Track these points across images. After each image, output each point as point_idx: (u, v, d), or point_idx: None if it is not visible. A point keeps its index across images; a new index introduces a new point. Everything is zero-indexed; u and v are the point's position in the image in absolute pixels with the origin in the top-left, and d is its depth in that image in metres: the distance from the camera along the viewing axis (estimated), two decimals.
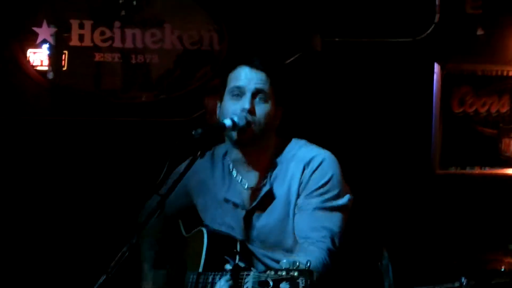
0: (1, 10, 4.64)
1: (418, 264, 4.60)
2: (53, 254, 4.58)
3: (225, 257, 2.75)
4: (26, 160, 4.67)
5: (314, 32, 4.82)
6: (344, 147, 3.50)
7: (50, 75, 4.78)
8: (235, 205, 2.91)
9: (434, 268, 4.49)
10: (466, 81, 4.99)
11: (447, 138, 5.01)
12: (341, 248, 2.78)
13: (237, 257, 2.79)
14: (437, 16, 4.83)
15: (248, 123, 2.80)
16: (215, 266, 2.75)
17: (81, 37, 4.77)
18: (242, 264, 2.57)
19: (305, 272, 2.24)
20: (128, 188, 4.42)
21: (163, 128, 4.76)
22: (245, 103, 2.81)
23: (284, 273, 2.25)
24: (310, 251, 2.69)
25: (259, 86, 2.82)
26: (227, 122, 2.78)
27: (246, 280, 2.45)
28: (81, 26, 4.76)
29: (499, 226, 4.82)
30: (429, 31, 4.83)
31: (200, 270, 2.79)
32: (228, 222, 2.92)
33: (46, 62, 4.77)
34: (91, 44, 4.78)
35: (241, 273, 2.51)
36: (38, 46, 4.75)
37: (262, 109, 2.83)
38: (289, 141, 2.95)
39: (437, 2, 4.84)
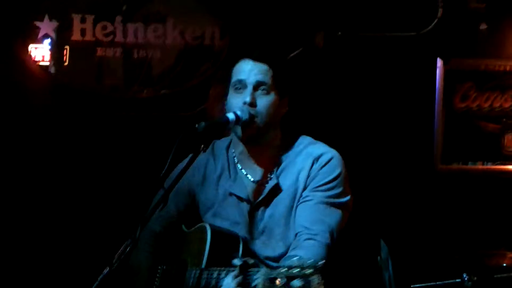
0: (3, 5, 4.63)
1: (420, 260, 4.60)
2: (56, 249, 4.58)
3: (231, 254, 2.74)
4: (28, 155, 4.66)
5: (317, 29, 4.81)
6: (346, 142, 3.50)
7: (52, 70, 4.77)
8: (240, 199, 2.90)
9: (436, 264, 4.48)
10: (469, 76, 4.99)
11: (449, 134, 5.00)
12: (337, 245, 2.78)
13: (240, 254, 2.78)
14: (440, 11, 4.82)
15: (251, 116, 2.79)
16: (217, 263, 2.74)
17: (82, 32, 4.76)
18: (251, 261, 2.56)
19: (319, 270, 2.21)
20: (130, 183, 4.42)
21: (164, 123, 4.75)
22: (246, 96, 2.81)
23: (297, 270, 2.22)
24: (310, 246, 2.69)
25: (260, 78, 2.82)
26: (230, 116, 2.78)
27: (255, 277, 2.43)
28: (83, 21, 4.76)
29: (501, 222, 4.82)
30: (432, 26, 4.82)
31: (203, 267, 2.77)
32: (232, 216, 2.91)
33: (47, 57, 4.77)
34: (93, 39, 4.77)
35: (250, 269, 2.49)
36: (40, 41, 4.74)
37: (264, 101, 2.82)
38: (295, 136, 2.95)
39: None
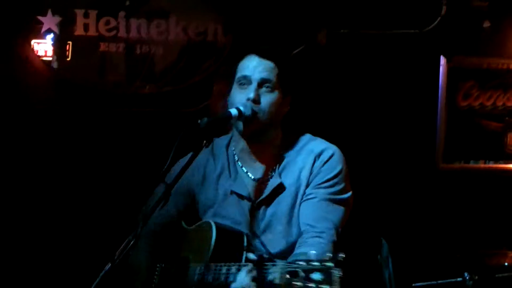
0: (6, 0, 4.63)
1: (421, 259, 4.60)
2: (58, 244, 4.58)
3: (236, 251, 2.73)
4: (30, 150, 4.66)
5: (320, 26, 4.81)
6: (348, 140, 3.50)
7: (55, 65, 4.77)
8: (241, 197, 2.90)
9: (437, 263, 4.48)
10: (471, 74, 4.98)
11: (452, 132, 4.99)
12: (338, 243, 2.80)
13: (244, 253, 2.78)
14: (443, 9, 4.82)
15: (254, 112, 2.79)
16: (221, 260, 2.73)
17: (86, 27, 4.75)
18: (266, 255, 2.54)
19: (340, 263, 2.21)
20: (132, 179, 4.42)
21: (167, 119, 4.75)
22: (250, 92, 2.81)
23: (317, 263, 2.21)
24: (317, 244, 2.69)
25: (264, 75, 2.82)
26: (233, 111, 2.78)
27: (271, 271, 2.42)
28: (86, 16, 4.75)
29: (503, 221, 4.81)
30: (435, 24, 4.82)
31: (208, 263, 2.76)
32: (233, 215, 2.91)
33: (50, 52, 4.76)
34: (96, 34, 4.76)
35: (266, 264, 2.47)
36: (43, 36, 4.74)
37: (267, 98, 2.82)
38: (295, 134, 2.95)
39: None
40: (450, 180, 4.95)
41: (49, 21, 4.73)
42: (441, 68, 4.93)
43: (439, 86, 4.94)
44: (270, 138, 2.89)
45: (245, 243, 2.80)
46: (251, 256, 2.50)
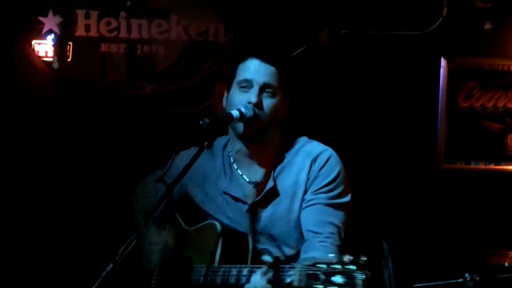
0: (8, 0, 4.63)
1: (422, 260, 4.60)
2: (59, 245, 4.58)
3: (241, 252, 2.72)
4: (31, 150, 4.66)
5: (321, 26, 4.81)
6: (349, 141, 3.51)
7: (55, 66, 4.77)
8: (235, 198, 2.90)
9: (438, 263, 4.48)
10: (472, 75, 4.98)
11: (453, 133, 4.99)
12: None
13: (250, 253, 2.77)
14: (445, 10, 4.82)
15: (255, 114, 2.79)
16: (226, 261, 2.73)
17: (87, 27, 4.75)
18: (282, 257, 2.53)
19: (364, 267, 2.18)
20: (133, 179, 4.41)
21: (167, 119, 4.75)
22: (252, 96, 2.80)
23: (338, 266, 2.18)
24: (323, 248, 2.68)
25: (267, 80, 2.82)
26: (234, 113, 2.78)
27: (290, 273, 2.41)
28: (87, 16, 4.75)
29: (504, 222, 4.81)
30: (436, 25, 4.82)
31: (216, 264, 2.76)
32: (230, 215, 2.91)
33: (50, 53, 4.76)
34: (97, 35, 4.76)
35: (282, 266, 2.45)
36: (43, 37, 4.74)
37: (269, 103, 2.82)
38: (292, 136, 2.94)
39: None
40: (451, 181, 4.95)
41: (50, 21, 4.73)
42: (442, 69, 4.93)
43: (440, 87, 4.94)
44: (268, 140, 2.89)
45: (250, 245, 2.79)
46: (267, 258, 2.48)
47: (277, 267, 2.44)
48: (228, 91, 2.90)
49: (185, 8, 4.84)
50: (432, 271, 4.17)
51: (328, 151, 2.87)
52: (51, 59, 4.76)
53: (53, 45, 4.75)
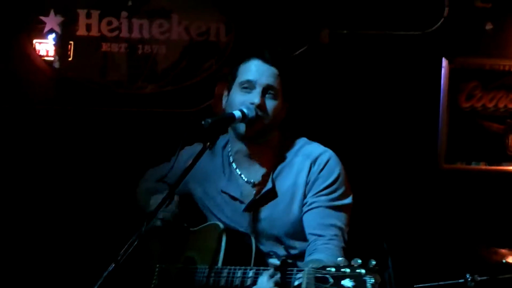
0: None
1: (423, 260, 4.60)
2: (61, 245, 4.58)
3: (244, 253, 2.70)
4: (31, 150, 4.66)
5: (322, 25, 4.80)
6: (350, 141, 3.51)
7: (56, 65, 4.77)
8: (233, 198, 2.90)
9: (438, 264, 4.48)
10: (474, 75, 4.98)
11: (454, 133, 4.99)
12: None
13: (253, 255, 2.77)
14: (446, 10, 4.82)
15: (258, 115, 2.79)
16: (230, 262, 2.73)
17: (88, 27, 4.75)
18: (289, 260, 2.52)
19: (374, 271, 2.17)
20: (134, 178, 4.41)
21: (168, 119, 4.75)
22: (255, 97, 2.80)
23: (347, 269, 2.17)
24: (328, 250, 2.68)
25: (270, 82, 2.82)
26: (237, 113, 2.77)
27: (297, 276, 2.40)
28: (88, 16, 4.75)
29: (504, 222, 4.81)
30: (438, 25, 4.82)
31: (219, 265, 2.76)
32: (228, 214, 2.92)
33: (51, 52, 4.76)
34: (98, 34, 4.76)
35: (290, 269, 2.45)
36: (45, 36, 4.74)
37: (271, 105, 2.82)
38: (291, 137, 2.94)
39: None
40: (452, 181, 4.95)
41: (52, 21, 4.73)
42: (443, 69, 4.92)
43: (441, 88, 4.94)
44: (268, 141, 2.89)
45: (254, 246, 2.79)
46: (274, 260, 2.48)
47: (285, 269, 2.42)
48: (229, 91, 2.90)
49: (186, 8, 4.84)
50: (433, 271, 4.17)
51: (328, 153, 2.86)
52: (52, 59, 4.76)
53: (54, 45, 4.75)
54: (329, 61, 4.77)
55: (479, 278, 3.64)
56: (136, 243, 2.47)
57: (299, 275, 2.38)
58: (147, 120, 4.78)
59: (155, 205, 2.66)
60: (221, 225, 2.84)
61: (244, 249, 2.77)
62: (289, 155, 2.89)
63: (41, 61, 4.74)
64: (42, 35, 4.73)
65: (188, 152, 2.93)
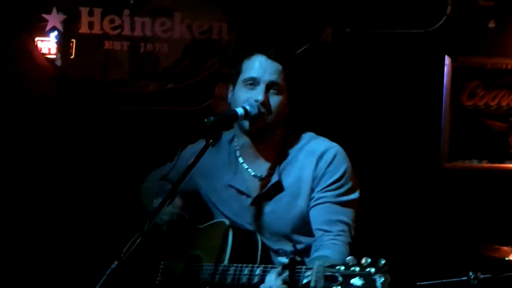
0: None
1: (425, 258, 4.60)
2: (64, 242, 4.58)
3: (250, 250, 2.70)
4: (34, 148, 4.66)
5: (325, 24, 4.80)
6: (352, 139, 3.49)
7: (58, 63, 4.77)
8: (240, 192, 2.90)
9: (441, 262, 4.48)
10: (476, 74, 4.98)
11: (456, 132, 4.99)
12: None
13: (259, 253, 2.76)
14: (448, 8, 4.82)
15: (261, 112, 2.78)
16: (236, 260, 2.73)
17: (90, 25, 4.75)
18: (298, 258, 2.50)
19: (383, 269, 2.15)
20: (136, 177, 4.41)
21: (170, 117, 4.75)
22: (259, 94, 2.79)
23: (357, 268, 2.15)
24: (335, 245, 2.67)
25: (273, 78, 2.81)
26: (239, 110, 2.77)
27: (306, 274, 2.39)
28: (91, 14, 4.75)
29: (507, 220, 4.81)
30: (440, 23, 4.82)
31: (226, 263, 2.75)
32: (234, 208, 2.91)
33: (53, 50, 4.76)
34: (100, 32, 4.76)
35: (298, 267, 2.43)
36: (47, 34, 4.74)
37: (275, 101, 2.81)
38: (297, 132, 2.94)
39: None
40: (455, 179, 4.95)
41: (54, 19, 4.72)
42: (445, 68, 4.93)
43: (443, 86, 4.94)
44: (273, 137, 2.89)
45: (260, 243, 2.79)
46: (282, 259, 2.47)
47: (293, 267, 2.41)
48: (233, 87, 2.90)
49: (189, 6, 4.84)
50: (436, 269, 4.17)
51: (334, 148, 2.85)
52: (54, 56, 4.76)
53: (57, 43, 4.74)
54: (331, 60, 4.77)
55: (481, 276, 3.63)
56: (139, 240, 2.47)
57: (308, 273, 2.37)
58: (149, 119, 4.78)
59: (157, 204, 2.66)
60: (227, 223, 2.84)
61: (250, 246, 2.76)
62: (294, 151, 2.88)
63: (43, 59, 4.74)
64: (44, 33, 4.73)
65: (192, 150, 2.93)
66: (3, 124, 4.62)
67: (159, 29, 4.82)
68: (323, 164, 2.81)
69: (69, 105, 4.75)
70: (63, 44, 4.75)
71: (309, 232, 2.80)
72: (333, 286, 2.17)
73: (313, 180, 2.80)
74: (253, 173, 2.90)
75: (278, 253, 2.81)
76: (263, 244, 2.82)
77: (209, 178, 3.00)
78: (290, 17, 4.75)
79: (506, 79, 5.00)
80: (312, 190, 2.80)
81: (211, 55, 4.88)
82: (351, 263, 2.18)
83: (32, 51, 4.72)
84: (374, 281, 2.13)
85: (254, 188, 2.90)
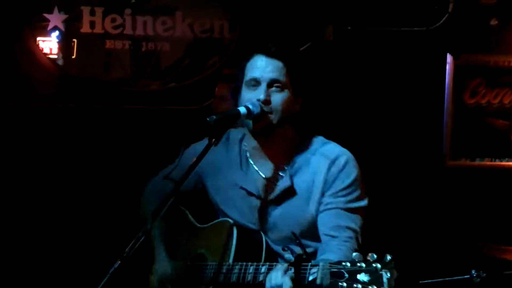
0: None
1: (428, 256, 4.59)
2: (66, 242, 4.58)
3: (255, 249, 2.69)
4: (35, 147, 4.66)
5: (326, 22, 4.80)
6: (354, 138, 3.49)
7: (60, 62, 4.77)
8: (250, 193, 2.88)
9: (443, 260, 4.47)
10: (478, 72, 4.98)
11: (458, 130, 4.99)
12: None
13: (264, 252, 2.75)
14: (450, 6, 4.81)
15: (263, 111, 2.77)
16: (241, 259, 2.72)
17: (92, 24, 4.75)
18: (304, 255, 2.49)
19: (390, 265, 2.15)
20: (137, 176, 4.41)
21: (172, 116, 4.75)
22: (260, 93, 2.78)
23: (363, 264, 2.15)
24: (341, 251, 2.66)
25: (274, 75, 2.79)
26: (242, 109, 2.75)
27: (312, 271, 2.38)
28: (92, 13, 4.74)
29: (509, 218, 4.81)
30: (442, 21, 4.81)
31: (230, 261, 2.74)
32: (241, 208, 2.90)
33: (55, 50, 4.76)
34: (102, 31, 4.76)
35: (304, 264, 2.42)
36: (48, 33, 4.74)
37: (278, 98, 2.79)
38: (308, 135, 2.92)
39: None
40: (457, 177, 4.95)
41: (55, 18, 4.72)
42: (448, 66, 4.92)
43: (445, 84, 4.94)
44: (280, 136, 2.86)
45: (264, 243, 2.78)
46: (287, 256, 2.46)
47: (299, 264, 2.40)
48: (239, 91, 2.87)
49: (190, 5, 4.84)
50: (438, 267, 4.16)
51: (346, 155, 2.82)
52: (55, 56, 4.76)
53: (58, 42, 4.75)
54: (332, 58, 4.77)
55: (484, 274, 3.62)
56: (142, 239, 2.47)
57: (314, 270, 2.36)
58: (151, 118, 4.78)
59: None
60: (231, 221, 2.82)
61: (254, 245, 2.75)
62: (306, 154, 2.85)
63: (45, 58, 4.74)
64: (46, 33, 4.73)
65: (197, 148, 2.91)
66: (4, 124, 4.62)
67: (161, 28, 4.82)
68: (335, 169, 2.78)
69: (70, 104, 4.75)
70: (64, 44, 4.76)
71: (317, 237, 2.79)
72: (339, 282, 2.17)
73: (324, 184, 2.79)
74: (263, 175, 2.89)
75: (283, 250, 2.80)
76: (267, 244, 2.81)
77: (216, 177, 2.97)
78: (291, 15, 4.74)
79: (508, 77, 5.00)
80: (322, 194, 2.79)
81: (213, 54, 4.88)
82: (357, 259, 2.18)
83: (33, 50, 4.72)
84: (381, 276, 2.13)
85: (263, 189, 2.88)
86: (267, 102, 2.77)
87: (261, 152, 2.88)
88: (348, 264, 2.18)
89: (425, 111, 4.87)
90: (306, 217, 2.80)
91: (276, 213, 2.84)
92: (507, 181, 4.96)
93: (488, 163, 5.04)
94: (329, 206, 2.76)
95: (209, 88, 4.62)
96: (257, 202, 2.87)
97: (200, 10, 4.83)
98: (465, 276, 3.63)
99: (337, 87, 4.76)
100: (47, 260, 4.55)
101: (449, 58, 4.93)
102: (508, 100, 5.01)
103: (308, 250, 2.80)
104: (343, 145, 2.90)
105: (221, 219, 2.92)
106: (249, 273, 2.64)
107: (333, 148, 2.85)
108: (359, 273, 2.15)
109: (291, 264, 2.45)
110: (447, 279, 3.68)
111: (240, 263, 2.70)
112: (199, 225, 2.99)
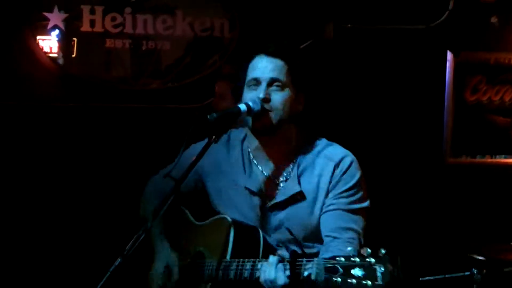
0: None
1: (428, 254, 4.59)
2: (66, 241, 4.58)
3: (253, 247, 2.69)
4: (35, 146, 4.66)
5: (327, 20, 4.80)
6: (354, 136, 3.50)
7: (60, 61, 4.77)
8: (254, 193, 2.88)
9: (444, 257, 4.47)
10: (479, 69, 4.98)
11: (459, 127, 4.99)
12: None
13: (261, 248, 2.75)
14: (451, 3, 4.81)
15: (264, 108, 2.77)
16: (239, 256, 2.72)
17: (92, 23, 4.75)
18: (299, 251, 2.50)
19: (385, 260, 2.16)
20: (138, 175, 4.41)
21: (173, 115, 4.75)
22: (260, 92, 2.78)
23: (357, 259, 2.16)
24: (341, 252, 2.65)
25: (274, 75, 2.79)
26: (242, 107, 2.75)
27: (307, 266, 2.39)
28: (92, 12, 4.74)
29: (510, 215, 4.81)
30: (443, 18, 4.81)
31: (228, 258, 2.74)
32: (242, 208, 2.89)
33: (55, 49, 4.76)
34: (102, 30, 4.76)
35: (299, 260, 2.42)
36: (48, 32, 4.74)
37: (278, 97, 2.79)
38: (311, 136, 2.91)
39: None
40: (458, 174, 4.95)
41: (55, 17, 4.72)
42: (448, 63, 4.92)
43: (446, 81, 4.94)
44: (282, 135, 2.85)
45: (261, 239, 2.78)
46: (283, 252, 2.46)
47: (294, 260, 2.41)
48: (242, 91, 2.87)
49: (191, 4, 4.84)
50: (439, 264, 4.17)
51: (350, 156, 2.84)
52: (56, 55, 4.76)
53: (58, 41, 4.74)
54: (333, 56, 4.76)
55: (485, 271, 3.63)
56: (142, 237, 2.47)
57: (309, 265, 2.37)
58: (151, 117, 4.78)
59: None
60: (229, 219, 2.82)
61: (252, 242, 2.75)
62: (310, 156, 2.85)
63: (45, 57, 4.74)
64: (46, 32, 4.73)
65: (197, 148, 2.90)
66: (4, 122, 4.62)
67: (161, 26, 4.82)
68: (339, 171, 2.79)
69: (71, 103, 4.75)
70: (64, 43, 4.75)
71: (321, 239, 2.79)
72: (334, 277, 2.18)
73: (329, 187, 2.79)
74: (266, 174, 2.89)
75: (280, 247, 2.80)
76: (265, 240, 2.81)
77: (219, 178, 2.97)
78: (292, 13, 4.74)
79: (509, 74, 5.00)
80: (326, 196, 2.79)
81: (213, 53, 4.87)
82: (351, 255, 2.19)
83: (33, 49, 4.72)
84: (375, 270, 2.14)
85: (266, 189, 2.88)
86: (266, 100, 2.77)
87: (264, 151, 2.88)
88: (343, 259, 2.20)
89: (426, 108, 4.87)
90: (312, 221, 2.80)
91: (281, 215, 2.83)
92: (508, 178, 4.96)
93: (489, 160, 5.04)
94: (331, 207, 2.77)
95: (209, 87, 4.63)
96: (260, 202, 2.86)
97: (200, 9, 4.83)
98: (466, 273, 3.63)
99: (337, 85, 4.75)
100: (47, 259, 4.55)
101: (449, 55, 4.92)
102: (509, 97, 5.01)
103: (312, 251, 2.80)
104: (343, 142, 2.91)
105: (218, 216, 2.92)
106: (246, 270, 2.65)
107: (338, 150, 2.85)
108: (354, 268, 2.16)
109: (287, 260, 2.45)
110: (447, 275, 3.69)
111: (237, 259, 2.70)
112: (197, 223, 2.99)
